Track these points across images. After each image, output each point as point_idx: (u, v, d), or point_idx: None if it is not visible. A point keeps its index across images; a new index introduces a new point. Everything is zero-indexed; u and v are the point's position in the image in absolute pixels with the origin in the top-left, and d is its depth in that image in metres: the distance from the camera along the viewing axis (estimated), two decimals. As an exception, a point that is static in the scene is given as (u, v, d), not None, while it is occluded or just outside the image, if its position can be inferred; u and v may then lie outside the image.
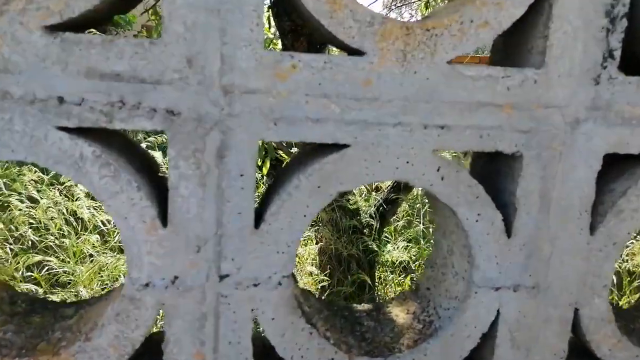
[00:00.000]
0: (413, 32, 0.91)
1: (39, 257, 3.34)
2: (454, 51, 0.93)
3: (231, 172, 0.89)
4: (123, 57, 0.84)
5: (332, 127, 0.91)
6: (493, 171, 1.10)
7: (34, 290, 3.14)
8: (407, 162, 0.95)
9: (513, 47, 1.07)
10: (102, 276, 3.57)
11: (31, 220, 3.88)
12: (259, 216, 0.94)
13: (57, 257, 3.71)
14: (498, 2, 0.92)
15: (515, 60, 1.06)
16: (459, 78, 0.94)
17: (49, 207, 4.01)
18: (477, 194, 0.99)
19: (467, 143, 0.97)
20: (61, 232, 3.92)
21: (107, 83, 0.84)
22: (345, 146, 0.93)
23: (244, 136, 0.89)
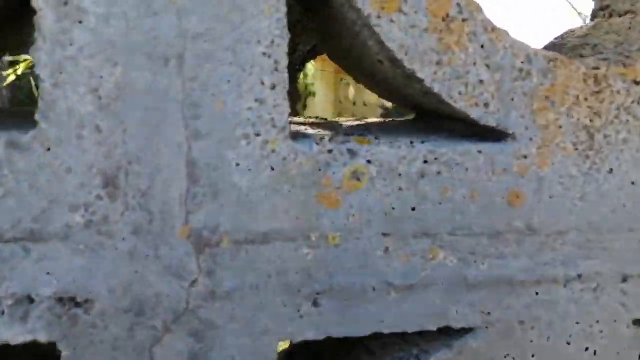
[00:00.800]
0: (607, 86, 0.42)
1: None
2: (684, 121, 0.44)
3: (220, 421, 0.39)
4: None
5: (439, 297, 0.42)
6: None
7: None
8: (586, 349, 0.46)
9: None
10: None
11: None
12: None
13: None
14: None
15: None
16: (691, 174, 0.45)
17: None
18: None
19: (698, 300, 0.48)
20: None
21: None
22: (465, 331, 0.44)
23: (242, 339, 0.39)
